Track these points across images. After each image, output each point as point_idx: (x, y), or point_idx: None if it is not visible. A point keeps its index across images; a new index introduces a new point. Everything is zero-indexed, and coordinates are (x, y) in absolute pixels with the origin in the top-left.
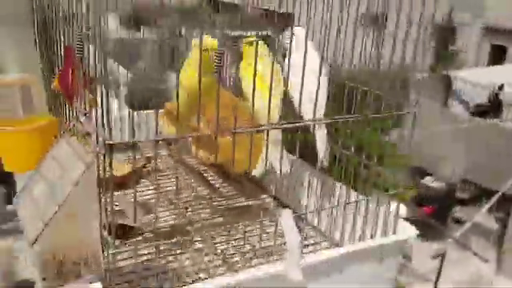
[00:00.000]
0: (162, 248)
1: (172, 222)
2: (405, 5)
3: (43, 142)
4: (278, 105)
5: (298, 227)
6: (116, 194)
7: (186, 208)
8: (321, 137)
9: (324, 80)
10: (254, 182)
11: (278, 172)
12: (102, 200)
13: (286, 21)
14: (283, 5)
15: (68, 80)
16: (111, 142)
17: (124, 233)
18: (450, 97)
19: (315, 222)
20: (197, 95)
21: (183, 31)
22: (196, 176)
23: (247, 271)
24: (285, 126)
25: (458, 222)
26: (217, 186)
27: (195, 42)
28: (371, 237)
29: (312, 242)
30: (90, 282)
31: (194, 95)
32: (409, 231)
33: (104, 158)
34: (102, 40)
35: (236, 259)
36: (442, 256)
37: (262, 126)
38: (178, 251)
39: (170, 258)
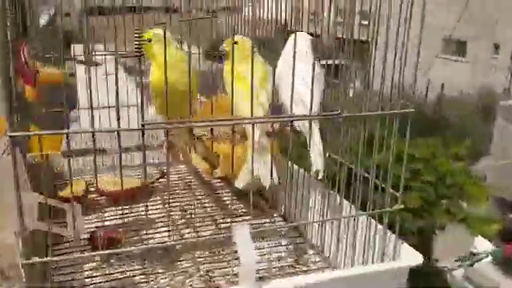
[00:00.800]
0: (145, 266)
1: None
2: (487, 30)
3: None
4: (265, 107)
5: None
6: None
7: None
8: (314, 144)
9: (317, 84)
10: (265, 198)
11: (264, 184)
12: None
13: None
14: (363, 33)
15: None
16: (12, 134)
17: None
18: None
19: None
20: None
21: None
22: (208, 191)
23: None
24: (260, 121)
25: None
26: (227, 203)
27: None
28: (365, 261)
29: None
30: None
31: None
32: (413, 257)
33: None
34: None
35: (220, 281)
36: None
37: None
38: (161, 271)
39: (151, 278)
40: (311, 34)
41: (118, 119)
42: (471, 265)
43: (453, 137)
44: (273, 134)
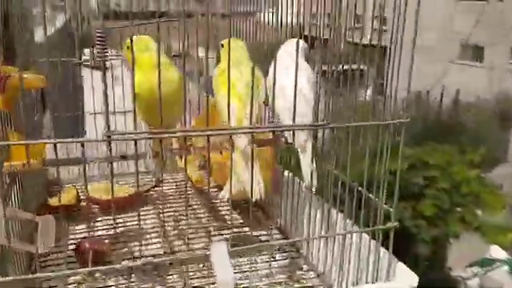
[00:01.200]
0: (132, 281)
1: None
2: (505, 35)
3: None
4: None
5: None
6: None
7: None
8: (305, 157)
9: (310, 94)
10: (262, 209)
11: (248, 195)
12: None
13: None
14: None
15: None
16: None
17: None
18: None
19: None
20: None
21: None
22: (204, 201)
23: None
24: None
25: None
26: (223, 213)
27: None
28: (359, 280)
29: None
30: None
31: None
32: (408, 278)
33: None
34: None
35: None
36: None
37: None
38: (147, 285)
39: None
40: (318, 39)
41: (83, 128)
42: (485, 273)
43: (469, 143)
44: (261, 143)
